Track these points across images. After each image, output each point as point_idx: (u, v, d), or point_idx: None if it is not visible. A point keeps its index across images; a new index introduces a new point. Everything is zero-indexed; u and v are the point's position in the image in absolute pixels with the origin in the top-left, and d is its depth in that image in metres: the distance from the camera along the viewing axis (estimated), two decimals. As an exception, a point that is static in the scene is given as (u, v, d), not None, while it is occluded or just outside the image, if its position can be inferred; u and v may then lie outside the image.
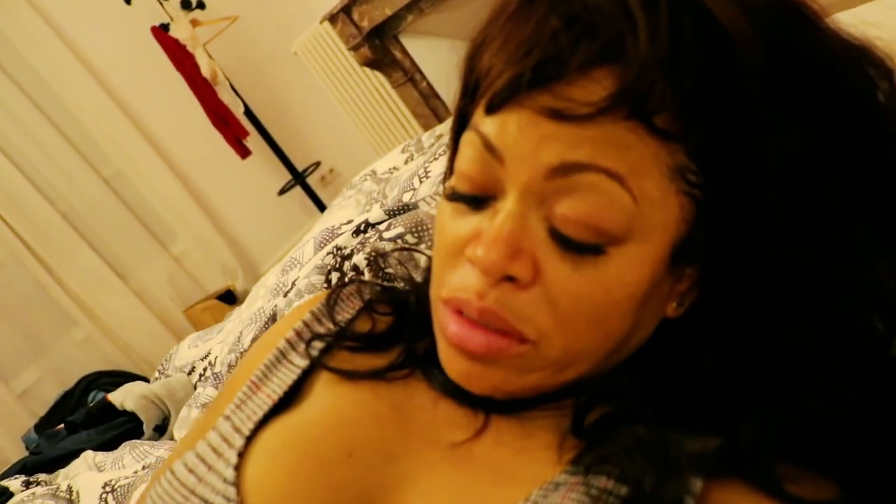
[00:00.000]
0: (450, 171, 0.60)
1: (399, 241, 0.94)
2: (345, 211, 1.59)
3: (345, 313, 0.68)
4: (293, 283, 1.09)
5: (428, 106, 2.88)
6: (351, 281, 0.73)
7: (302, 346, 0.65)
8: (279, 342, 0.65)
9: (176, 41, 3.34)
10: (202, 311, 3.47)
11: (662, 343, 0.54)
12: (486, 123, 0.49)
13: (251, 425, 0.59)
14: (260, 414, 0.60)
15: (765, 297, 0.49)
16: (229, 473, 0.55)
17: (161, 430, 1.37)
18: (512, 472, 0.52)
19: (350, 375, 0.61)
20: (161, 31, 3.35)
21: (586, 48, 0.45)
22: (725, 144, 0.46)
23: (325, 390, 0.61)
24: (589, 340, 0.50)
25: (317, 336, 0.65)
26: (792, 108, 0.46)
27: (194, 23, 3.35)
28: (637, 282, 0.48)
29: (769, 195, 0.46)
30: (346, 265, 0.97)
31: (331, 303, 0.68)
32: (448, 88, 2.70)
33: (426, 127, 2.84)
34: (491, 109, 0.48)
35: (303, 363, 0.64)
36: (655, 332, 0.54)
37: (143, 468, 1.12)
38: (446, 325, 0.52)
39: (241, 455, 0.56)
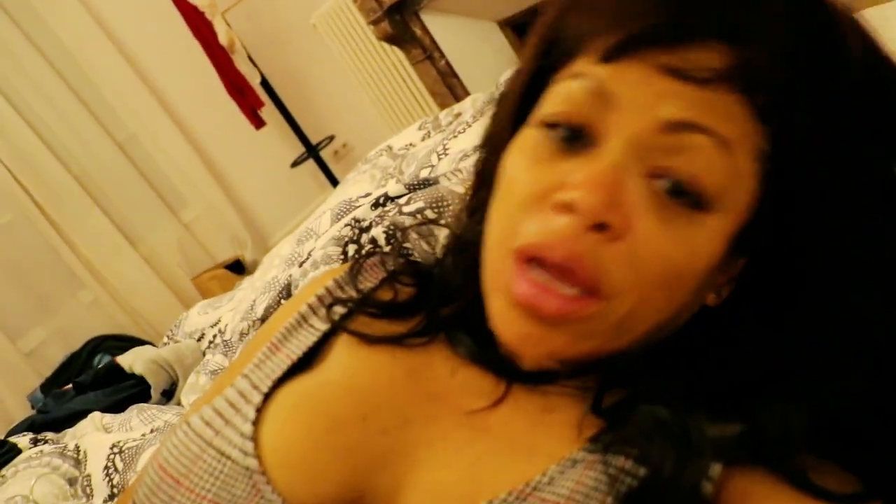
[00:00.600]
0: (509, 125, 0.58)
1: (419, 215, 0.93)
2: (360, 185, 1.58)
3: (367, 282, 0.68)
4: (309, 254, 1.09)
5: (445, 84, 2.86)
6: (374, 252, 0.72)
7: (323, 311, 0.65)
8: (301, 307, 0.66)
9: (195, 8, 3.32)
10: (210, 280, 3.47)
11: (692, 330, 0.53)
12: (597, 70, 0.49)
13: (269, 383, 0.59)
14: (279, 372, 0.60)
15: (805, 290, 0.49)
16: (247, 428, 0.55)
17: (169, 394, 1.38)
18: (529, 445, 0.52)
19: (370, 339, 0.61)
20: (181, -2, 3.34)
21: (709, 20, 0.47)
22: (807, 140, 0.47)
23: (343, 353, 0.61)
24: (655, 306, 0.49)
25: (339, 301, 0.65)
26: (869, 121, 0.48)
27: (214, -10, 3.33)
28: (710, 254, 0.48)
29: (829, 197, 0.48)
30: (364, 237, 0.96)
31: (354, 271, 0.68)
32: (467, 67, 2.67)
33: (442, 105, 2.82)
34: (608, 58, 0.49)
35: (323, 326, 0.64)
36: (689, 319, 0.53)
37: (151, 431, 1.12)
38: (514, 284, 0.50)
39: (259, 411, 0.57)
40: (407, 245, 0.87)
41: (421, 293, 0.66)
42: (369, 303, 0.65)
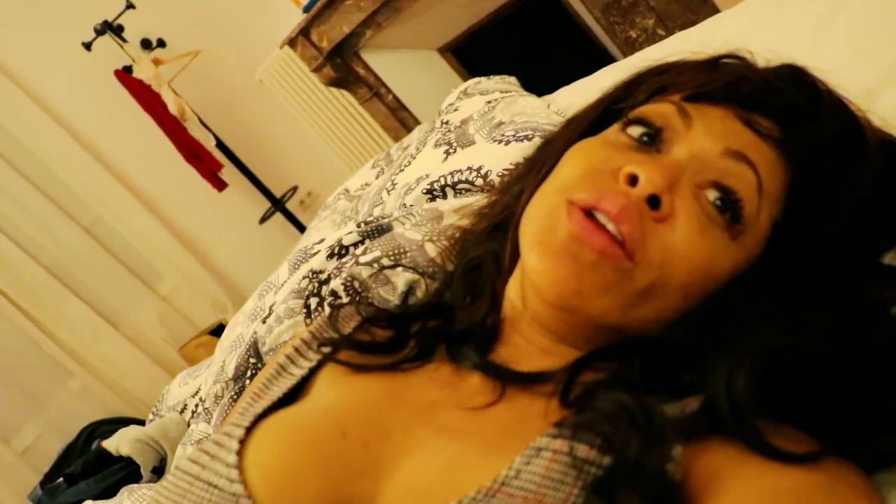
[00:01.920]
0: (578, 132, 0.69)
1: (375, 265, 0.94)
2: (320, 232, 1.59)
3: (346, 329, 0.74)
4: (270, 308, 1.09)
5: (396, 118, 2.88)
6: (343, 304, 0.79)
7: (301, 360, 0.71)
8: (280, 359, 0.72)
9: (140, 82, 3.33)
10: (196, 348, 3.45)
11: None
12: (684, 104, 0.61)
13: (251, 419, 0.63)
14: (259, 410, 0.65)
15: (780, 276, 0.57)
16: (231, 459, 0.59)
17: (159, 471, 1.36)
18: (503, 444, 0.54)
19: (359, 368, 0.66)
20: (125, 74, 3.35)
21: (778, 102, 0.59)
22: (808, 233, 0.57)
23: (325, 384, 0.67)
24: (670, 294, 0.56)
25: (325, 341, 0.71)
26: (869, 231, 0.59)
27: (156, 62, 3.35)
28: (724, 273, 0.57)
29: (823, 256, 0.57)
30: (324, 290, 0.97)
31: (333, 320, 0.74)
32: (415, 98, 2.70)
33: (397, 139, 2.85)
34: (695, 99, 0.61)
35: (301, 371, 0.69)
36: None
37: (142, 511, 1.11)
38: (563, 223, 0.56)
39: (242, 443, 0.60)
40: (366, 295, 0.90)
41: (398, 334, 0.71)
42: (353, 342, 0.70)
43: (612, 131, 0.63)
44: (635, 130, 0.61)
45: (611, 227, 0.54)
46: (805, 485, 0.45)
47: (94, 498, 1.29)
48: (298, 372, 0.70)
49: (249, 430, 0.62)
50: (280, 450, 0.59)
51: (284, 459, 0.58)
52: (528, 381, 0.61)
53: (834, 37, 0.97)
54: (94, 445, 2.28)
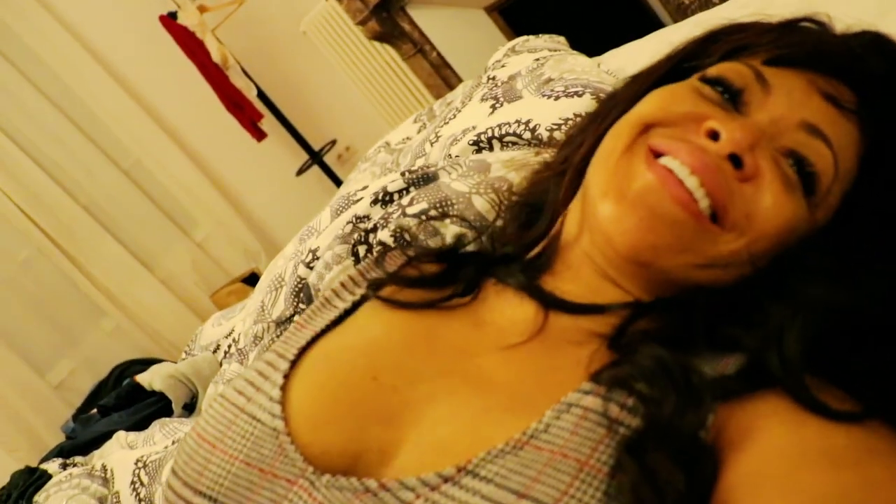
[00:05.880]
0: (648, 83, 0.67)
1: (423, 216, 0.93)
2: (361, 183, 1.58)
3: (391, 268, 0.75)
4: (313, 253, 1.09)
5: (439, 76, 2.86)
6: (396, 246, 0.81)
7: (346, 293, 0.72)
8: (326, 292, 0.73)
9: (185, 28, 3.33)
10: (228, 295, 3.50)
11: None
12: (762, 67, 0.59)
13: (295, 351, 0.64)
14: (303, 342, 0.65)
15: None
16: (275, 393, 0.60)
17: (190, 407, 1.39)
18: (533, 398, 0.54)
19: (401, 305, 0.66)
20: (169, 20, 3.35)
21: (858, 71, 0.58)
22: (883, 200, 0.56)
23: (366, 317, 0.68)
24: (749, 257, 0.54)
25: (372, 281, 0.72)
26: None
27: (202, 9, 3.34)
28: (798, 238, 0.55)
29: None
30: (372, 238, 0.96)
31: (380, 260, 0.76)
32: (459, 56, 2.67)
33: (438, 96, 2.82)
34: (775, 63, 0.59)
35: (346, 305, 0.70)
36: None
37: (173, 443, 1.13)
38: (641, 170, 0.55)
39: (287, 377, 0.62)
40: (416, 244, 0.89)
41: (448, 268, 0.72)
42: (399, 278, 0.71)
43: (694, 83, 0.61)
44: (713, 89, 0.59)
45: (691, 181, 0.53)
46: (837, 443, 0.44)
47: (127, 429, 1.32)
48: (342, 305, 0.70)
49: (294, 363, 0.63)
50: (316, 390, 0.60)
51: (319, 400, 0.59)
52: (574, 310, 0.60)
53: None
54: (125, 384, 2.34)
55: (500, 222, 0.78)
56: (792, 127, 0.55)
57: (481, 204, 0.84)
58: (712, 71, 0.60)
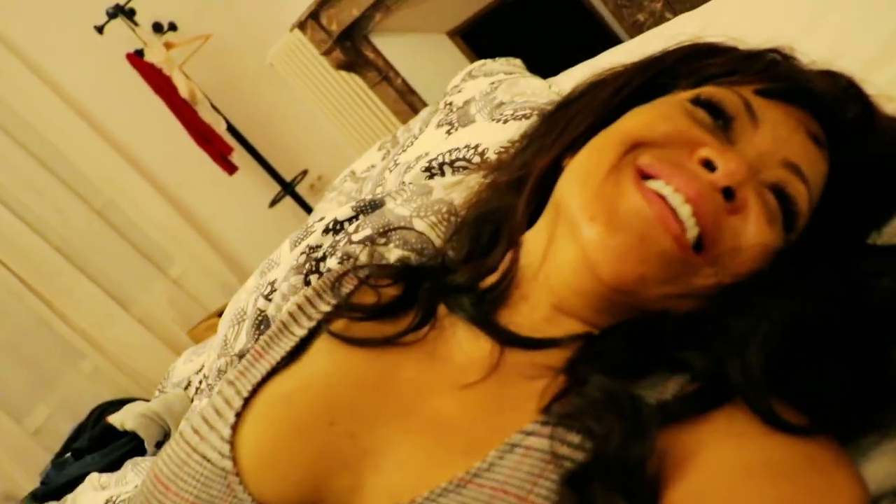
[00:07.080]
0: (619, 101, 0.67)
1: (367, 242, 0.94)
2: (323, 213, 1.59)
3: (345, 289, 0.73)
4: (272, 285, 1.10)
5: (405, 102, 2.89)
6: (348, 269, 0.78)
7: (303, 318, 0.70)
8: (282, 316, 0.71)
9: (152, 65, 3.34)
10: (206, 330, 3.47)
11: None
12: (752, 97, 0.60)
13: (250, 387, 0.63)
14: (258, 377, 0.64)
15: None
16: (226, 432, 0.59)
17: (162, 446, 1.38)
18: (482, 438, 0.53)
19: (353, 342, 0.65)
20: (136, 57, 3.36)
21: (830, 112, 0.61)
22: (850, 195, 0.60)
23: (321, 355, 0.66)
24: (719, 287, 0.55)
25: (326, 315, 0.70)
26: None
27: (168, 45, 3.35)
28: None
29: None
30: (322, 266, 0.97)
31: (335, 285, 0.74)
32: (423, 81, 2.70)
33: (405, 122, 2.85)
34: (766, 95, 0.60)
35: (302, 332, 0.69)
36: None
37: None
38: (631, 193, 0.54)
39: (239, 416, 0.61)
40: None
41: (408, 288, 0.70)
42: (352, 306, 0.69)
43: (685, 103, 0.60)
44: (702, 111, 0.59)
45: (684, 210, 0.52)
46: (778, 455, 0.45)
47: (100, 471, 1.31)
48: (299, 332, 0.69)
49: (248, 400, 0.62)
50: (270, 432, 0.59)
51: (272, 444, 0.58)
52: (530, 346, 0.59)
53: (828, 21, 0.98)
54: (98, 425, 2.32)
55: (450, 251, 0.75)
56: (775, 163, 0.57)
57: (423, 227, 0.85)
58: (705, 94, 0.60)
